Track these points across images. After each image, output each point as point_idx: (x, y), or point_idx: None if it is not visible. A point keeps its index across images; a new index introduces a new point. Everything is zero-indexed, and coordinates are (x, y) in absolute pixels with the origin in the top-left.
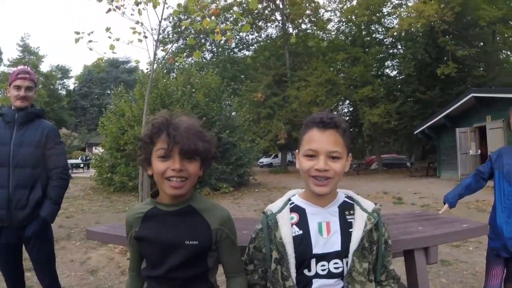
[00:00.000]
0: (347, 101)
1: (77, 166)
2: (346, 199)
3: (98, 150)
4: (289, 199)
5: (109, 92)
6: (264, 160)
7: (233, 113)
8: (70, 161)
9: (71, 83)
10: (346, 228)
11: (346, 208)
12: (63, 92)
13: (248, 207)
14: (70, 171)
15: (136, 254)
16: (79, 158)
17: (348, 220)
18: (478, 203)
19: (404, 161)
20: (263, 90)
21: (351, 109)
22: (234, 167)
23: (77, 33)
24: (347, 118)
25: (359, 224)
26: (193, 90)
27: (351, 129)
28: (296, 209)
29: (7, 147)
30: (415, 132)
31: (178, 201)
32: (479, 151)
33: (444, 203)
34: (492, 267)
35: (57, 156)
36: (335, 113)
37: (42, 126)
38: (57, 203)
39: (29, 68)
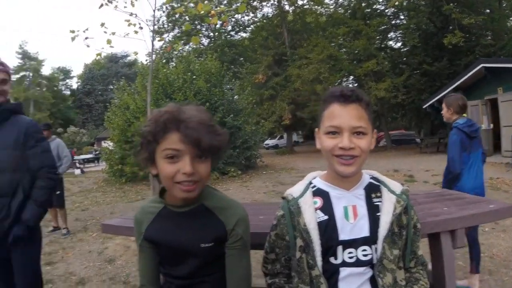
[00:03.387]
0: (351, 77)
1: (88, 160)
2: (371, 180)
3: (107, 143)
4: (310, 182)
5: (111, 87)
6: (270, 142)
7: (235, 97)
8: (81, 157)
9: (74, 83)
10: (373, 212)
11: (372, 190)
12: (67, 92)
13: (257, 189)
14: (82, 165)
15: (147, 260)
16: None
17: (375, 203)
18: (492, 181)
19: (413, 137)
20: (263, 71)
21: (355, 84)
22: (240, 151)
23: (72, 31)
24: None
25: (388, 208)
26: (194, 77)
27: None
28: (319, 192)
29: None
30: (423, 107)
31: (189, 201)
32: (491, 125)
33: None
34: None
35: (41, 154)
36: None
37: (19, 123)
38: (42, 205)
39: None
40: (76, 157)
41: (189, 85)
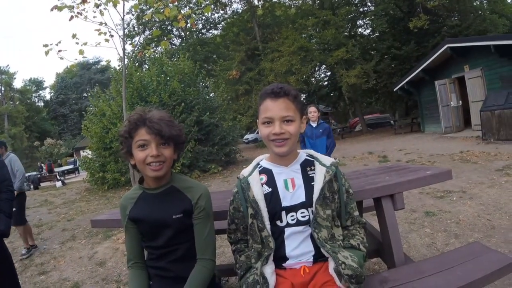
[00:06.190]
0: (323, 66)
1: (68, 172)
2: (307, 157)
3: (86, 152)
4: (258, 164)
5: (85, 95)
6: (249, 136)
7: (211, 95)
8: (61, 168)
9: (47, 94)
10: (308, 182)
11: (307, 165)
12: (41, 104)
13: None
14: (63, 177)
15: (132, 238)
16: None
17: (310, 175)
18: (462, 154)
19: (388, 120)
20: (237, 67)
21: (328, 73)
22: (219, 147)
23: (46, 45)
24: (326, 83)
25: (319, 177)
26: (168, 78)
27: (331, 94)
28: (264, 171)
29: None
30: (394, 89)
31: (161, 183)
32: (460, 102)
33: None
34: None
35: (1, 169)
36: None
37: None
38: (11, 216)
39: None
40: (56, 169)
41: (163, 87)
